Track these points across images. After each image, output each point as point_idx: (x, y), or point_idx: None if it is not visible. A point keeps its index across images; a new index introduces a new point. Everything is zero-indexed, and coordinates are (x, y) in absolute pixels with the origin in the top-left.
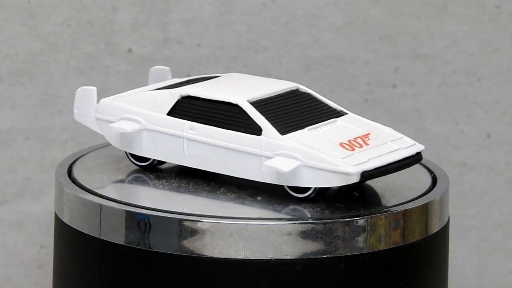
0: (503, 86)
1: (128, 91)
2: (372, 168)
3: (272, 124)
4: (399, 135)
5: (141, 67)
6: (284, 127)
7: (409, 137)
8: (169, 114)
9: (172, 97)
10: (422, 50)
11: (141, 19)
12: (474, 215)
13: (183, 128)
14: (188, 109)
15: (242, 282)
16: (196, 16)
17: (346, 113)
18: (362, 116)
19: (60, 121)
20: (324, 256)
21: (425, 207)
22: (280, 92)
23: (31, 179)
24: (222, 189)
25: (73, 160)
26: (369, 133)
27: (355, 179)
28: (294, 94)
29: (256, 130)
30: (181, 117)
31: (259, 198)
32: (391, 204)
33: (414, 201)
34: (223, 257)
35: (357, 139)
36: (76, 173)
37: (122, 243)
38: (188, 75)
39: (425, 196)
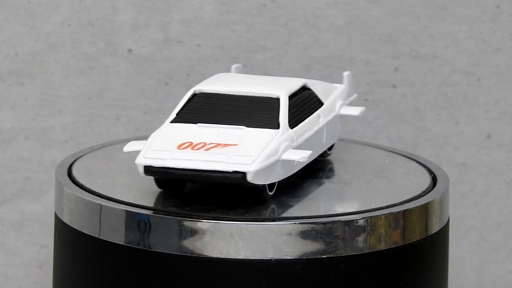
0: (503, 86)
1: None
2: (158, 166)
3: (178, 114)
4: (254, 153)
5: (141, 67)
6: (181, 118)
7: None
8: None
9: None
10: (422, 50)
11: (141, 19)
12: (474, 215)
13: None
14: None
15: (242, 282)
16: (196, 16)
17: (276, 128)
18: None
19: (60, 121)
20: (324, 256)
21: (425, 207)
22: (250, 94)
23: (31, 179)
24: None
25: (73, 160)
26: (236, 145)
27: (140, 170)
28: (263, 100)
29: None
30: None
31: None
32: (391, 204)
33: (414, 201)
34: (223, 257)
35: (209, 144)
36: (76, 173)
37: (122, 243)
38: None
39: (425, 196)
